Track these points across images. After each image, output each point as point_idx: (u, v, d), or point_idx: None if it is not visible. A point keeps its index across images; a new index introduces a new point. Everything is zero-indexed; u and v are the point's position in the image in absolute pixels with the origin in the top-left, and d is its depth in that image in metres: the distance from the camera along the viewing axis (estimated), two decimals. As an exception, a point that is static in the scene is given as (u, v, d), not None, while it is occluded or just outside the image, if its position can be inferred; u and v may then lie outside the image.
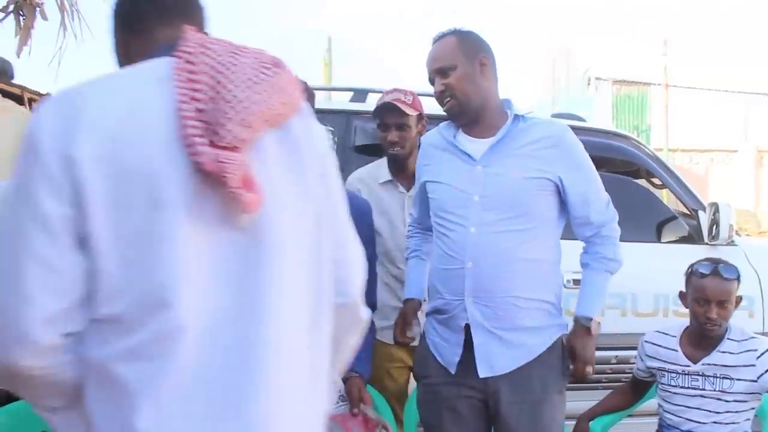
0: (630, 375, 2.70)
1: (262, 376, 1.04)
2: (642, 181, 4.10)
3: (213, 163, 1.01)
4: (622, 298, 3.32)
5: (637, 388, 2.62)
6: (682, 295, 2.49)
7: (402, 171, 2.85)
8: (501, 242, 2.04)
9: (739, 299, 2.40)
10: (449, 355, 2.11)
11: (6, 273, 1.00)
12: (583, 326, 2.10)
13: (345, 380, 2.01)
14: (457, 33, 2.16)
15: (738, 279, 2.37)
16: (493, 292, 2.05)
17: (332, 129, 3.37)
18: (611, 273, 2.18)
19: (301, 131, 1.16)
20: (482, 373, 2.04)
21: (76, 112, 1.02)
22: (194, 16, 1.27)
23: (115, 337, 1.02)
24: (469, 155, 2.12)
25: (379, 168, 2.91)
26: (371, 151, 3.13)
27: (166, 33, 1.21)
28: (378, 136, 2.85)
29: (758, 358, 2.34)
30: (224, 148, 1.02)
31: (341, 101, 4.00)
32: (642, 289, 3.34)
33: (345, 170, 3.18)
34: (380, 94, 2.87)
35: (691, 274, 2.42)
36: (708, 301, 2.34)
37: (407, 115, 2.73)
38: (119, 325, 1.01)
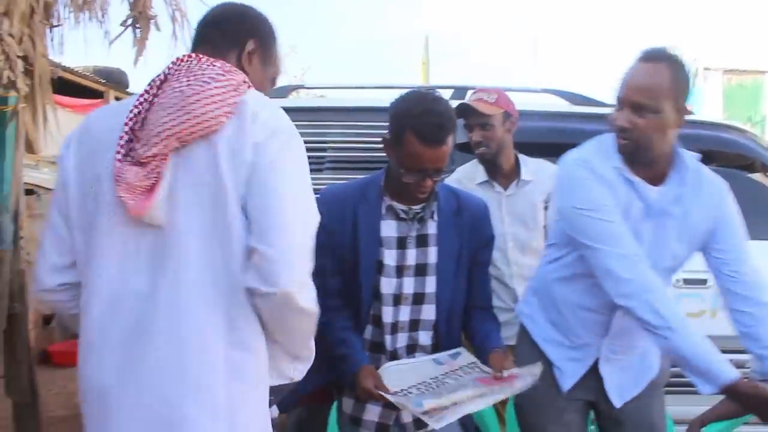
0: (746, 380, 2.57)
1: (159, 336, 1.35)
2: (757, 176, 3.90)
3: (116, 176, 1.37)
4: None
5: None
6: None
7: (497, 170, 2.84)
8: None
9: None
10: (567, 379, 2.12)
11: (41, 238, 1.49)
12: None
13: (489, 357, 2.07)
14: (672, 62, 1.89)
15: None
16: (635, 337, 2.05)
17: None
18: None
19: (229, 141, 1.36)
20: (617, 404, 2.10)
21: (76, 131, 1.49)
22: (215, 39, 1.53)
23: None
24: (648, 204, 1.93)
25: (476, 168, 2.91)
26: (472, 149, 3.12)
27: None
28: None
29: None
30: (137, 163, 1.35)
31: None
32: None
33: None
34: (478, 92, 2.88)
35: None
36: None
37: (488, 114, 2.72)
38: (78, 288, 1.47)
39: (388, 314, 2.06)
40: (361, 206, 2.07)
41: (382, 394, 1.87)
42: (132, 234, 1.38)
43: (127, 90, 9.16)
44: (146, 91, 1.41)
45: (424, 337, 2.11)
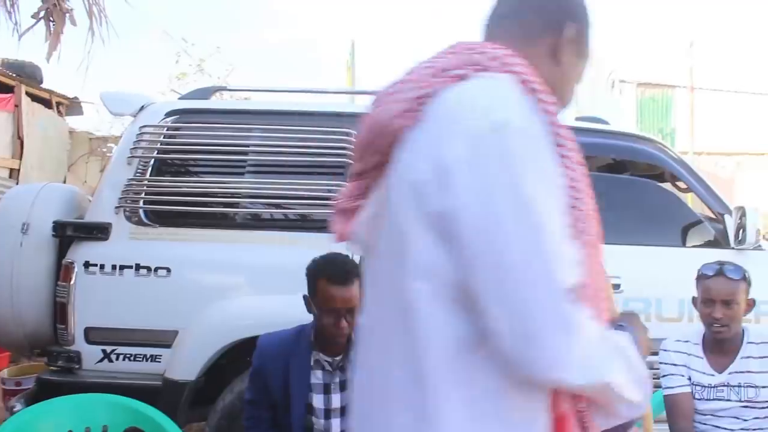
0: (654, 380, 2.67)
1: None
2: (667, 185, 4.07)
3: None
4: (646, 303, 3.29)
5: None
6: (694, 301, 2.48)
7: None
8: None
9: (752, 302, 2.38)
10: None
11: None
12: None
13: None
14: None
15: (745, 280, 2.36)
16: None
17: (353, 132, 3.39)
18: None
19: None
20: None
21: None
22: (512, 29, 1.16)
23: None
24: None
25: None
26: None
27: None
28: None
29: None
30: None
31: (366, 105, 4.01)
32: (666, 294, 3.31)
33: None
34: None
35: (699, 276, 2.42)
36: (713, 302, 2.34)
37: None
38: None
39: None
40: (293, 359, 2.35)
41: None
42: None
43: (41, 86, 8.76)
44: None
45: None
